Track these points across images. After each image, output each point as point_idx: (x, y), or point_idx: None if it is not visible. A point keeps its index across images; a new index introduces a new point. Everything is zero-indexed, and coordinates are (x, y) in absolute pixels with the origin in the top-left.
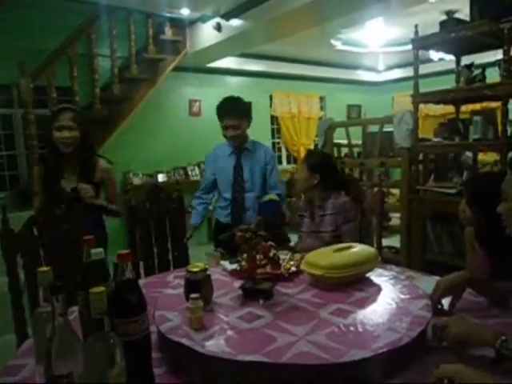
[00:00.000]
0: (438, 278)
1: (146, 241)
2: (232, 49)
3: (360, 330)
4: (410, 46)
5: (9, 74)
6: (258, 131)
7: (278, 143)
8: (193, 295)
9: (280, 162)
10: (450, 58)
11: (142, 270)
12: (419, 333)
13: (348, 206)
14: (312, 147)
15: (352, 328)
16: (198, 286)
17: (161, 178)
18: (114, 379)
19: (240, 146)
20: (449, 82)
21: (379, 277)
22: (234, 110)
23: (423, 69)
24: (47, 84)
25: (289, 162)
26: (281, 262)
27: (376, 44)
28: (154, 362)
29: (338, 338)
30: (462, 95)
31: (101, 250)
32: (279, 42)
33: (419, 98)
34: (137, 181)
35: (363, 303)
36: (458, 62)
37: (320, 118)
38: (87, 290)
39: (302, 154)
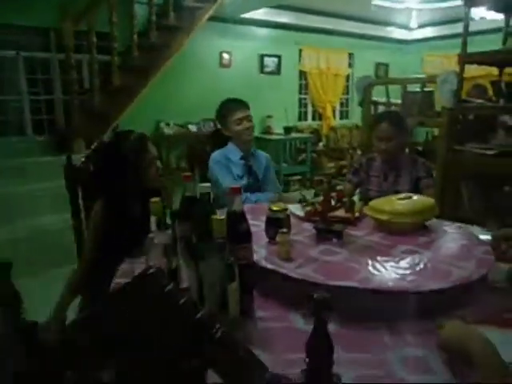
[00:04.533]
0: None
1: None
2: None
3: (432, 266)
4: (447, 3)
5: (46, 17)
6: (286, 87)
7: (305, 99)
8: (282, 230)
9: (306, 119)
10: (494, 17)
11: None
12: (487, 271)
13: (427, 162)
14: (338, 105)
15: (425, 265)
16: (280, 223)
17: (191, 128)
18: (232, 292)
19: (250, 148)
20: (485, 43)
21: (437, 226)
22: (244, 102)
23: (457, 28)
24: (87, 28)
25: (314, 119)
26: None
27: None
28: None
29: (415, 271)
30: None
31: (208, 184)
32: None
33: (466, 58)
34: (168, 130)
35: (429, 246)
36: (507, 22)
37: (347, 76)
38: (193, 221)
39: (328, 111)
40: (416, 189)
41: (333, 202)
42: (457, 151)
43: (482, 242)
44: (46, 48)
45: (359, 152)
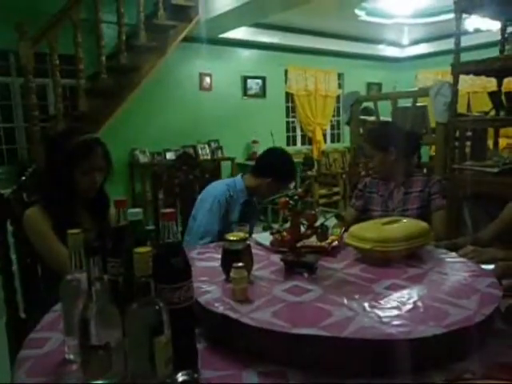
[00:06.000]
0: None
1: None
2: (246, 17)
3: (424, 305)
4: (439, 17)
5: (6, 39)
6: (272, 110)
7: (293, 122)
8: (237, 264)
9: (294, 143)
10: (489, 27)
11: None
12: (493, 311)
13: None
14: (328, 128)
15: (415, 304)
16: (238, 256)
17: (169, 156)
18: (161, 349)
19: None
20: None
21: (431, 253)
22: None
23: (452, 43)
24: (49, 50)
25: (303, 143)
26: (329, 231)
27: (402, 14)
28: None
29: (402, 314)
30: None
31: (139, 210)
32: (297, 11)
33: (460, 68)
34: (143, 159)
35: (420, 279)
36: (504, 28)
37: (338, 97)
38: (124, 256)
39: (318, 134)
40: (428, 208)
41: (303, 229)
42: (454, 171)
43: (488, 273)
44: (7, 72)
45: (363, 173)
